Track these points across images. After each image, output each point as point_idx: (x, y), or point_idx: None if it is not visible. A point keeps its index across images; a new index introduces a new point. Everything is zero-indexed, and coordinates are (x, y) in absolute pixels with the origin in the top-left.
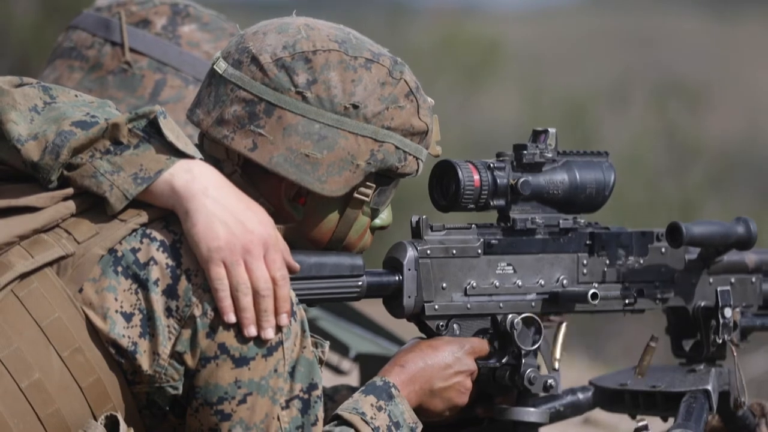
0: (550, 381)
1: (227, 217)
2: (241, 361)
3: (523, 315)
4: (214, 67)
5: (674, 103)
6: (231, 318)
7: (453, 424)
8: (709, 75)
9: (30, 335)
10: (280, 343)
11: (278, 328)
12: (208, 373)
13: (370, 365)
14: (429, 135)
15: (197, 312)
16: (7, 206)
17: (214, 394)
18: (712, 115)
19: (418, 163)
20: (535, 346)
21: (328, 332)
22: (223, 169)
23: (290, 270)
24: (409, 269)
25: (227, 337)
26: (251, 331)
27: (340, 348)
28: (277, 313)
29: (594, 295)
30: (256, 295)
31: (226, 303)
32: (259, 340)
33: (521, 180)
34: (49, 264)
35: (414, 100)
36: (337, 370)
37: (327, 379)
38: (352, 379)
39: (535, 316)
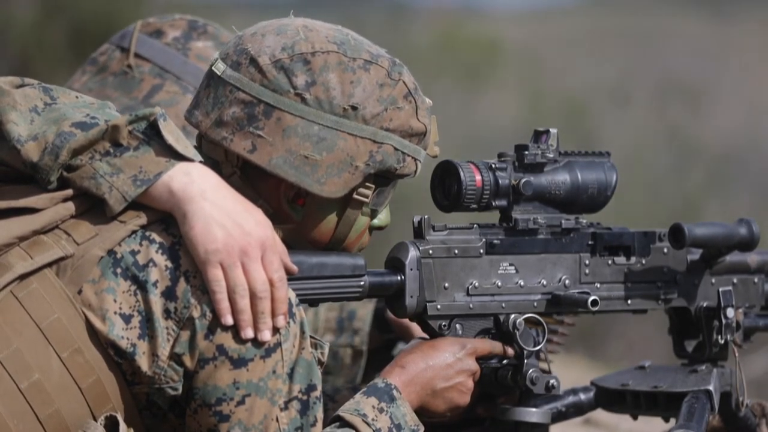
0: (552, 381)
1: (225, 219)
2: (239, 363)
3: (526, 315)
4: (213, 68)
5: (675, 103)
6: (228, 320)
7: (455, 425)
8: (710, 75)
9: (29, 336)
10: (279, 344)
11: (275, 330)
12: (206, 374)
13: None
14: (427, 136)
15: (196, 314)
16: (6, 207)
17: (212, 395)
18: (713, 115)
19: (416, 164)
20: (538, 347)
21: None
22: (222, 170)
23: (288, 272)
24: (411, 269)
25: (225, 339)
26: (248, 333)
27: None
28: (274, 315)
29: (594, 302)
30: (253, 297)
31: (224, 305)
32: (257, 342)
33: (523, 180)
34: (49, 265)
35: (412, 101)
36: None
37: None
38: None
39: (539, 317)
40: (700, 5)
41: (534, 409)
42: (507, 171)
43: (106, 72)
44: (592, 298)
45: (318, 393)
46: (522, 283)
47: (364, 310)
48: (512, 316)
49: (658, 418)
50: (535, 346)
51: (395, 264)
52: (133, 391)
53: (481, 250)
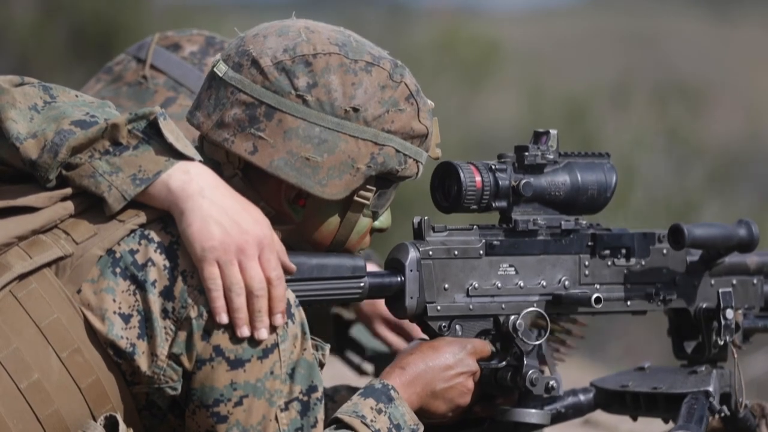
0: (551, 382)
1: (222, 217)
2: (236, 363)
3: (529, 309)
4: (215, 69)
5: (675, 103)
6: (223, 318)
7: (455, 425)
8: (710, 75)
9: (29, 336)
10: (276, 345)
11: (273, 329)
12: (203, 375)
13: (385, 365)
14: (429, 138)
15: (193, 314)
16: (5, 206)
17: (210, 396)
18: (713, 115)
19: (418, 166)
20: (538, 342)
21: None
22: (224, 172)
23: (286, 270)
24: (411, 270)
25: (222, 339)
26: (244, 331)
27: (356, 348)
28: (271, 314)
29: (597, 300)
30: (249, 295)
31: (219, 303)
32: (254, 342)
33: (523, 181)
34: (48, 265)
35: (414, 103)
36: (359, 370)
37: (349, 380)
38: (368, 379)
39: (544, 313)
40: (700, 5)
41: (533, 410)
42: (507, 172)
43: (121, 81)
44: (595, 295)
45: (319, 394)
46: (522, 284)
47: None
48: (512, 317)
49: (658, 420)
50: (536, 340)
51: (395, 265)
52: (133, 391)
53: (481, 251)
